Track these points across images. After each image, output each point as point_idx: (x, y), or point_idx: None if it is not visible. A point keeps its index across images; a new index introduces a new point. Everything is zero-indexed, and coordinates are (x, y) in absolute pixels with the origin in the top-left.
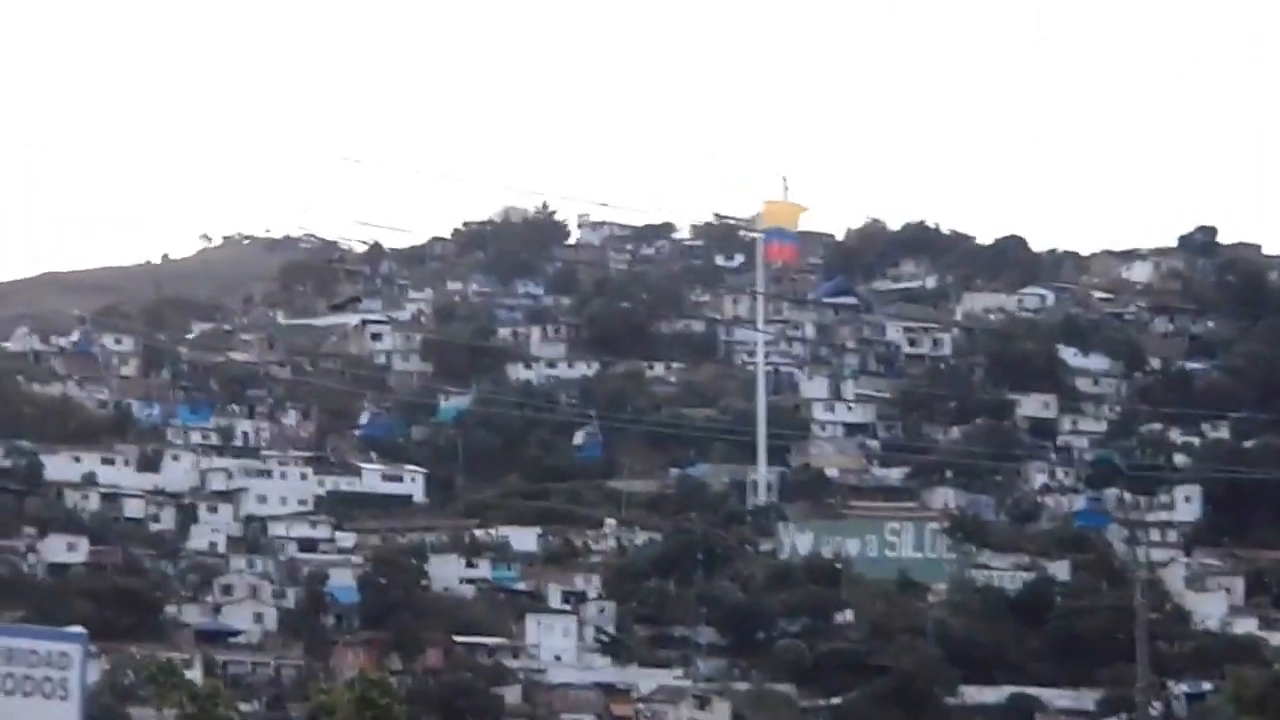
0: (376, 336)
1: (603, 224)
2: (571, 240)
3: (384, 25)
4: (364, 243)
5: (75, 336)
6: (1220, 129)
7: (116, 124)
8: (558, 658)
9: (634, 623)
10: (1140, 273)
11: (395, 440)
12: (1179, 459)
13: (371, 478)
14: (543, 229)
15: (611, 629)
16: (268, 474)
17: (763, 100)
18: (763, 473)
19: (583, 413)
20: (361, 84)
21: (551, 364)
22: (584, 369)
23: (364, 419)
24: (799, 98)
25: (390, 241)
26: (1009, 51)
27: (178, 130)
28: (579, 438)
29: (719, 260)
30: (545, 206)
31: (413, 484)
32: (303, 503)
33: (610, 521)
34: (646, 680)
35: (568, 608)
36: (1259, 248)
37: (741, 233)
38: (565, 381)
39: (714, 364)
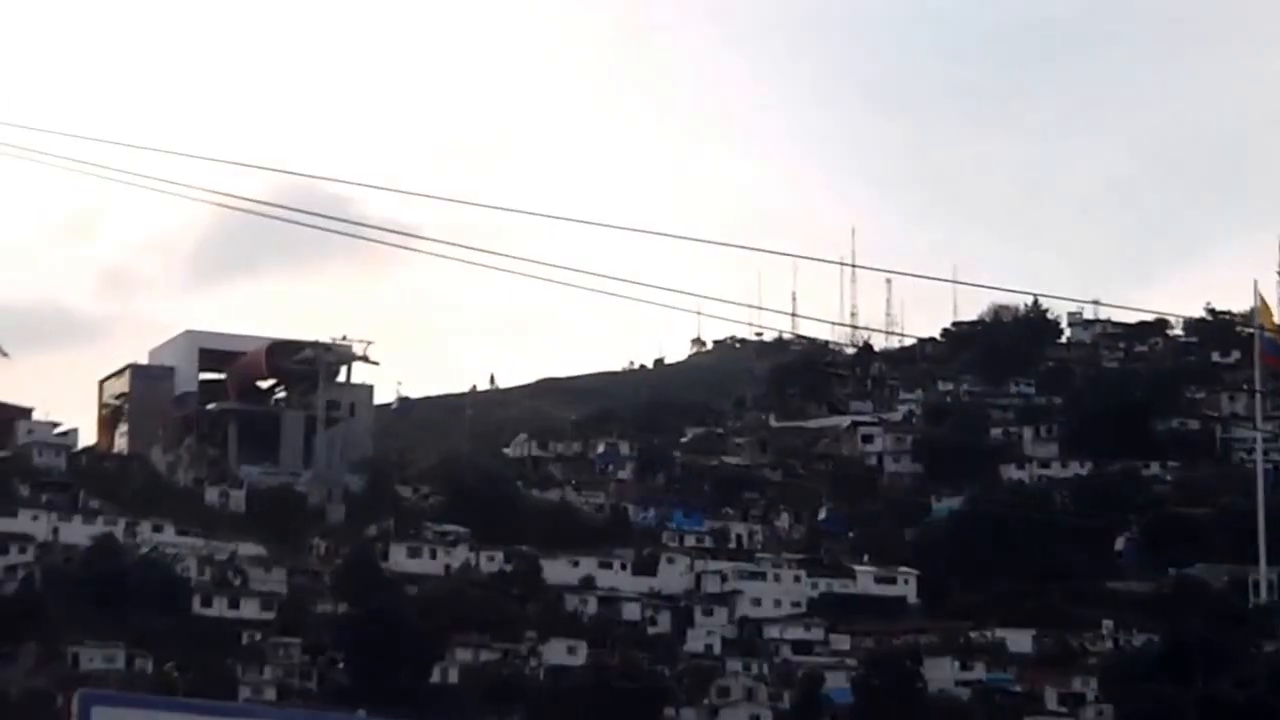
0: (868, 438)
1: (1095, 322)
2: (1063, 339)
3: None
4: (854, 345)
5: (574, 444)
6: None
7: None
8: None
9: None
10: None
11: (887, 542)
12: None
13: (864, 580)
14: (1034, 327)
15: None
16: (761, 576)
17: (1259, 184)
18: (1264, 572)
19: (1086, 513)
20: (855, 183)
21: (1044, 464)
22: (1077, 468)
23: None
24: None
25: (880, 343)
26: None
27: (671, 235)
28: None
29: (1214, 356)
30: (1036, 304)
31: (906, 586)
32: (796, 605)
33: (1107, 622)
34: None
35: (1065, 710)
36: None
37: (1238, 329)
38: (1058, 481)
39: (1211, 461)
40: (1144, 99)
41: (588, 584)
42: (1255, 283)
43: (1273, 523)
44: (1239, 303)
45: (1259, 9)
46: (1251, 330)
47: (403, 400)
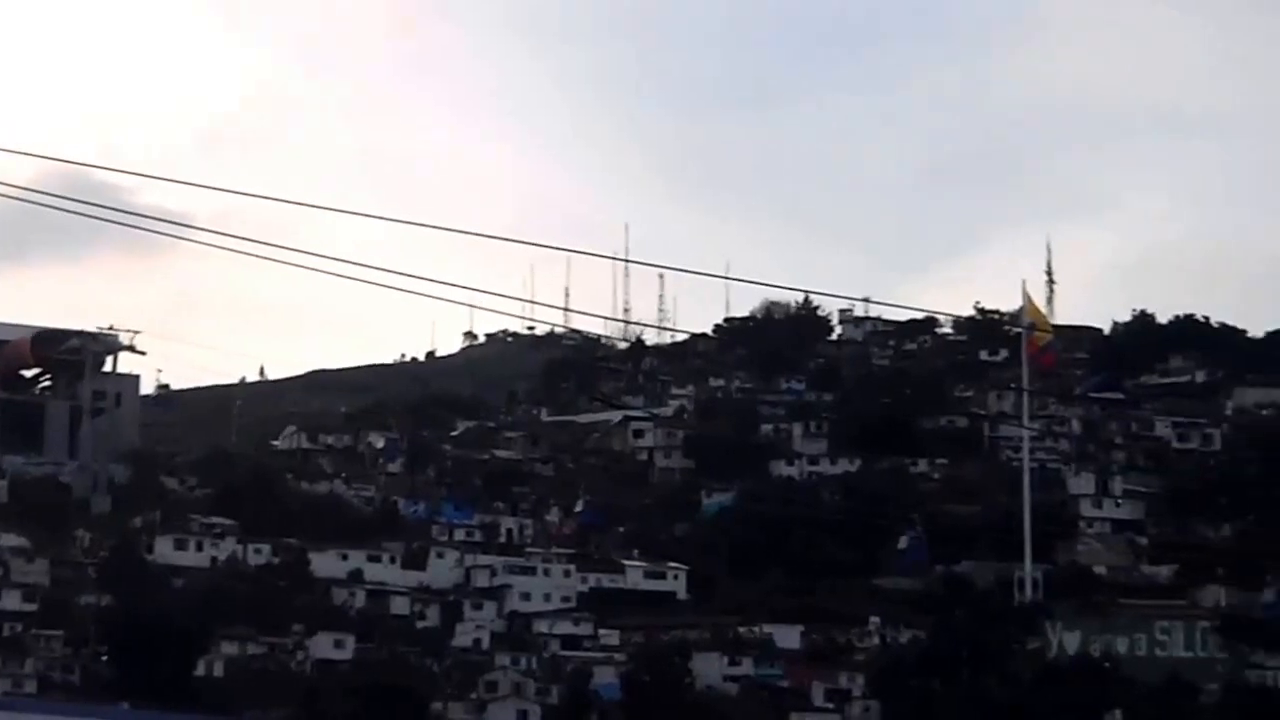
0: (639, 433)
1: (865, 319)
2: (834, 336)
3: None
4: (626, 340)
5: (344, 437)
6: None
7: (376, 223)
8: None
9: None
10: None
11: (657, 537)
12: None
13: (634, 575)
14: (804, 324)
15: None
16: (531, 570)
17: (1026, 186)
18: (1029, 570)
19: (854, 509)
20: (629, 178)
21: (814, 460)
22: (847, 465)
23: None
24: (1060, 190)
25: (652, 338)
26: None
27: (442, 229)
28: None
29: (983, 355)
30: (807, 301)
31: (675, 581)
32: (565, 600)
33: (874, 619)
34: None
35: (831, 706)
36: None
37: (1006, 328)
38: (827, 478)
39: (979, 460)
40: (916, 97)
41: (356, 577)
42: (1024, 282)
43: (1038, 521)
44: (1008, 302)
45: (1032, 13)
46: (1020, 329)
47: (162, 390)
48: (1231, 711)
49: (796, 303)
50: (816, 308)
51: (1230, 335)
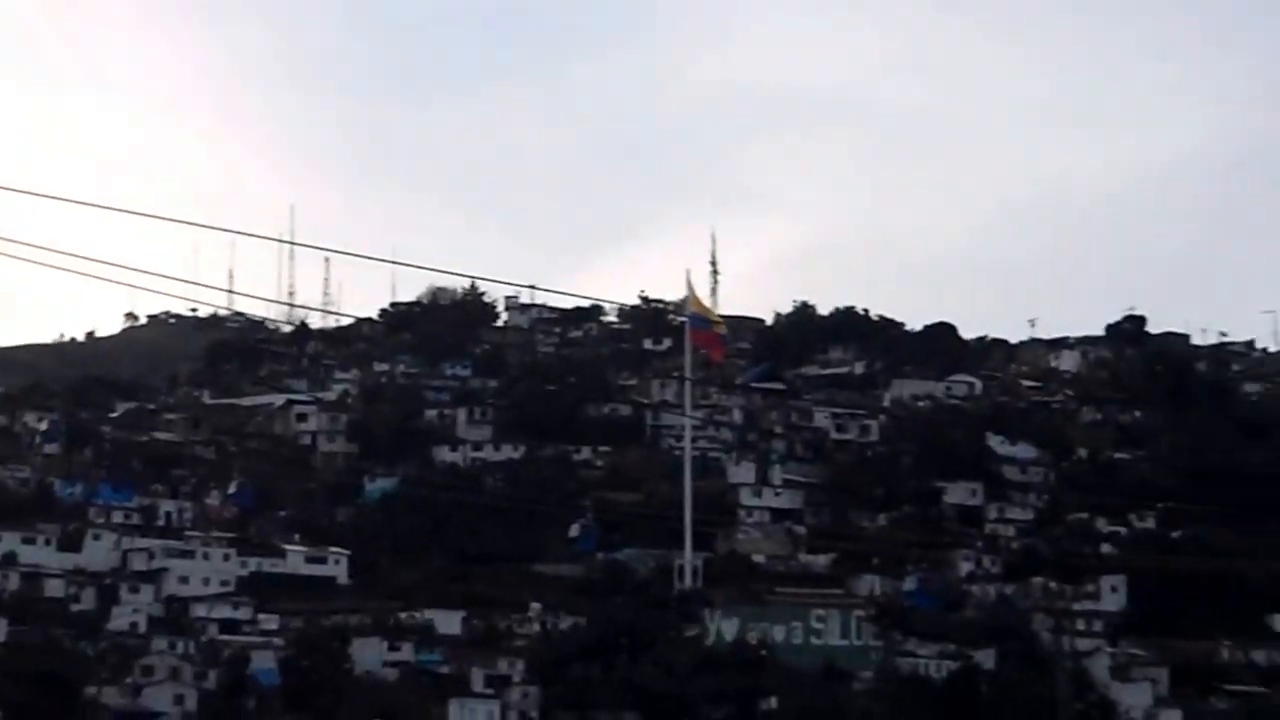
0: (302, 417)
1: (531, 306)
2: (500, 323)
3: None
4: (291, 323)
5: (0, 418)
6: (1150, 218)
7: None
8: None
9: (558, 708)
10: (1068, 361)
11: (319, 522)
12: (1105, 548)
13: (295, 559)
14: (471, 310)
15: (535, 713)
16: (190, 554)
17: (692, 178)
18: (689, 558)
19: (517, 496)
20: (293, 162)
21: (478, 446)
22: (510, 451)
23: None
24: (725, 182)
25: (317, 322)
26: (940, 144)
27: (102, 207)
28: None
29: (647, 344)
30: (474, 288)
31: (336, 566)
32: (225, 584)
33: (535, 605)
34: None
35: (490, 692)
36: (1187, 338)
37: (670, 317)
38: (491, 464)
39: (641, 448)
40: (584, 87)
41: (9, 560)
42: (688, 272)
43: (699, 509)
44: (671, 292)
45: (700, 7)
46: (683, 319)
47: None
48: (883, 698)
49: (463, 289)
50: (482, 294)
51: (889, 328)
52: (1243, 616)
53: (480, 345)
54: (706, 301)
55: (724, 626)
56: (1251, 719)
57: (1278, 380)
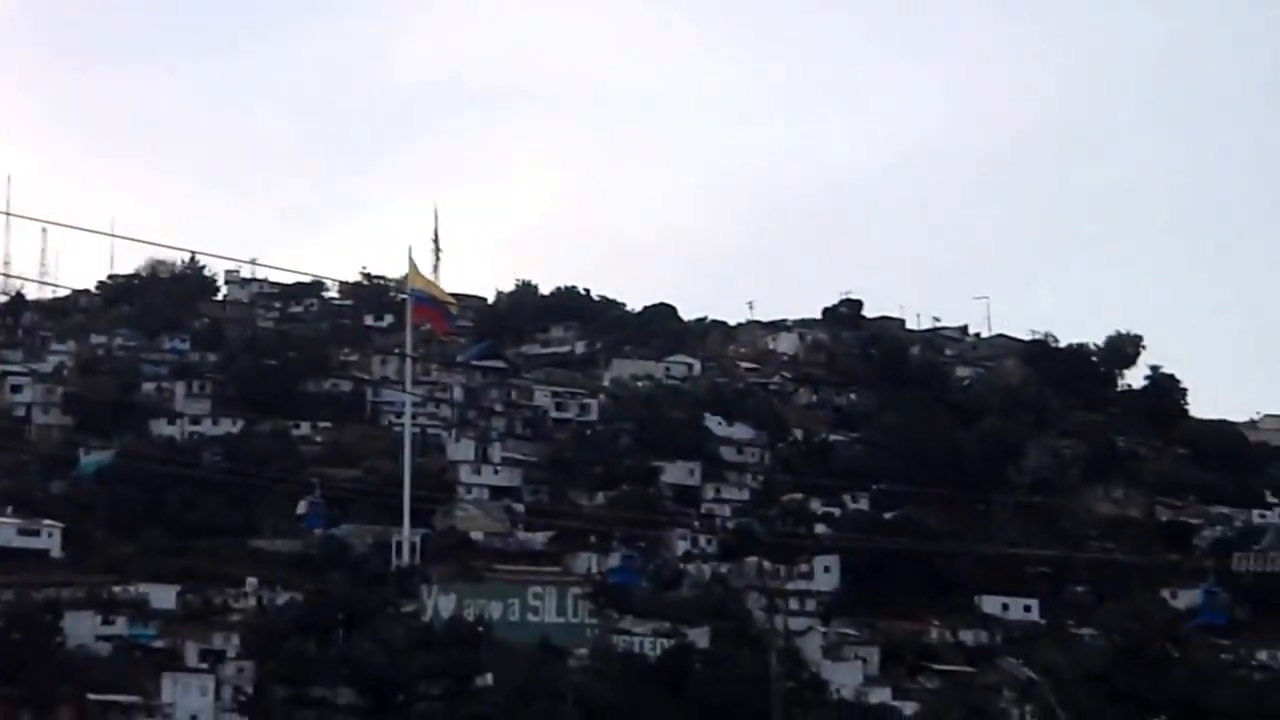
0: (17, 389)
1: (252, 280)
2: (220, 296)
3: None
4: (5, 294)
5: None
6: (867, 205)
7: None
8: (194, 717)
9: (272, 682)
10: (785, 344)
11: (33, 494)
12: (819, 529)
13: (6, 531)
14: (190, 284)
15: (250, 689)
16: None
17: (415, 155)
18: (407, 534)
19: (236, 471)
20: (9, 130)
21: (196, 420)
22: (229, 426)
23: None
24: (449, 159)
25: (33, 293)
26: (664, 119)
27: None
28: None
29: (368, 320)
30: (194, 261)
31: (49, 538)
32: None
33: (251, 580)
34: None
35: (205, 666)
36: (902, 322)
37: (391, 293)
38: (209, 438)
39: (361, 424)
40: (308, 60)
41: None
42: (410, 249)
43: (418, 486)
44: (394, 268)
45: None
46: (405, 295)
47: None
48: (599, 675)
49: (182, 262)
50: (202, 268)
51: (609, 308)
52: (952, 597)
53: (199, 319)
54: (430, 278)
55: (441, 603)
56: (958, 698)
57: (990, 365)
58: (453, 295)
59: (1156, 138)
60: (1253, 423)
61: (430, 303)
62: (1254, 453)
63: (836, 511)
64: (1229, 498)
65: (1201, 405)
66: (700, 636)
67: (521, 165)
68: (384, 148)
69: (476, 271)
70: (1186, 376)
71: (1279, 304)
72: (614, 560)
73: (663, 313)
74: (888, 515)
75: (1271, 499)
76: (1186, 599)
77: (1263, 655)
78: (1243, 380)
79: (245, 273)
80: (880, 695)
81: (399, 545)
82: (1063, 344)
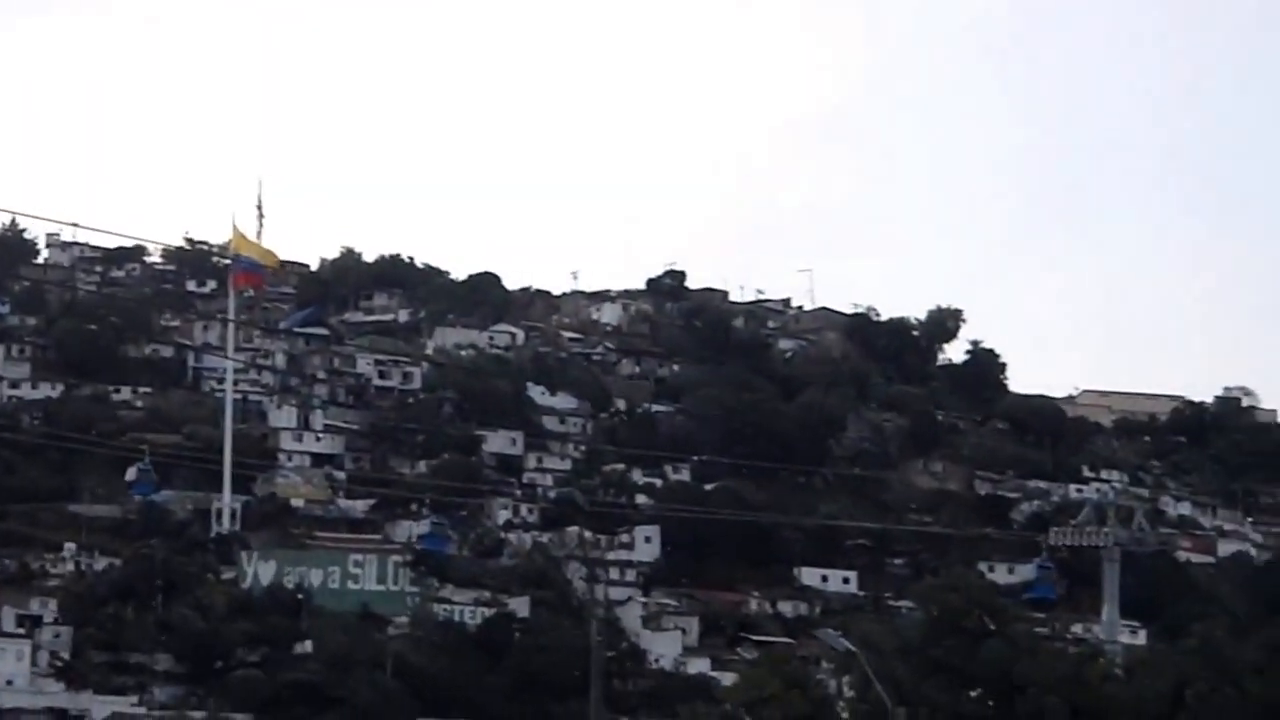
0: None
1: (73, 244)
2: (40, 259)
3: None
4: None
5: None
6: (690, 176)
7: None
8: (10, 682)
9: (90, 648)
10: (609, 314)
11: None
12: (640, 499)
13: None
14: (10, 247)
15: (66, 654)
16: None
17: (240, 119)
18: (227, 501)
19: (55, 435)
20: None
21: (15, 384)
22: (49, 390)
23: None
24: (277, 120)
25: None
26: (483, 88)
27: None
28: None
29: (191, 285)
30: (14, 224)
31: None
32: None
33: (70, 545)
34: (101, 707)
35: (22, 632)
36: (725, 294)
37: (215, 259)
38: (29, 402)
39: (182, 390)
40: (120, 19)
41: None
42: (234, 215)
43: (239, 452)
44: (218, 234)
45: None
46: (228, 260)
47: None
48: (418, 643)
49: (2, 225)
50: (23, 230)
51: (434, 276)
52: (772, 569)
53: (20, 282)
54: (252, 245)
55: (261, 570)
56: (776, 670)
57: (812, 338)
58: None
59: (979, 111)
60: (1071, 398)
61: (253, 268)
62: (1072, 428)
63: (658, 482)
64: (1047, 472)
65: (1021, 380)
66: (520, 605)
67: (344, 131)
68: (209, 113)
69: (302, 239)
70: (1006, 351)
71: (1098, 281)
72: (423, 527)
73: (487, 281)
74: (709, 486)
75: (1088, 474)
76: (1020, 574)
77: (1078, 629)
78: (1062, 356)
79: (66, 236)
80: (699, 665)
81: (219, 512)
82: (884, 318)
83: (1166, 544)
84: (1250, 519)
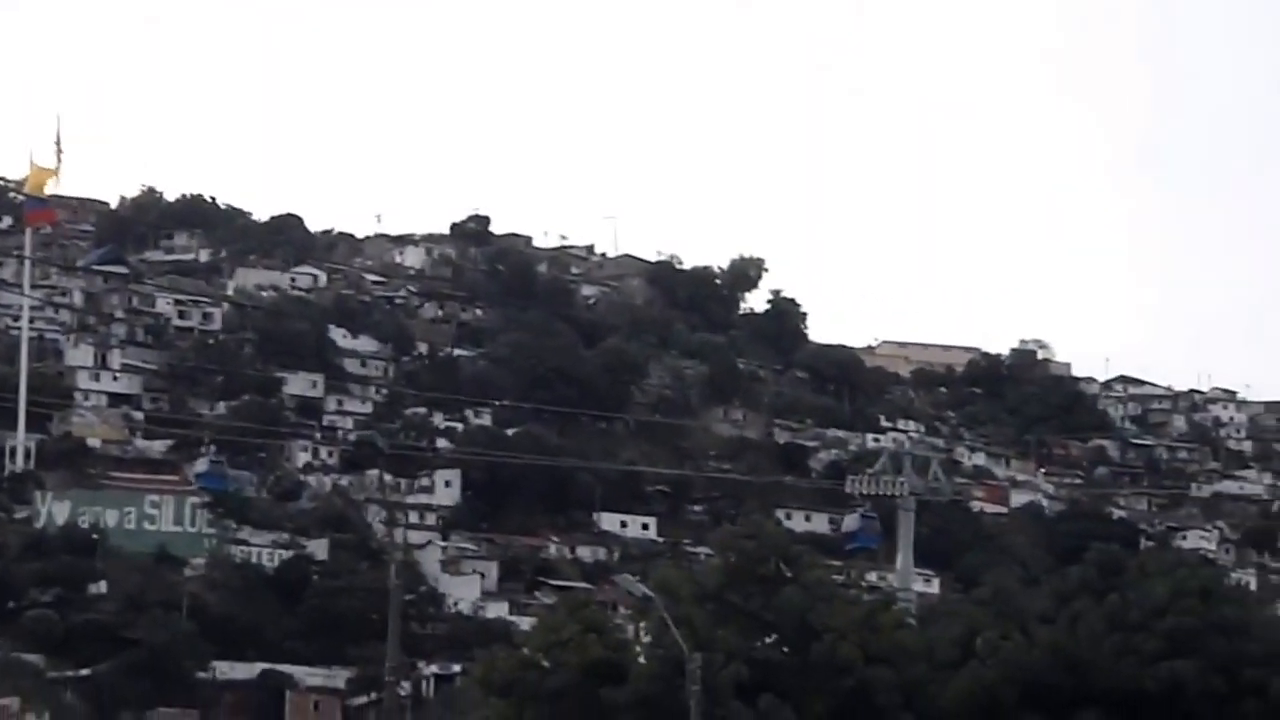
0: None
1: None
2: None
3: None
4: None
5: None
6: (497, 118)
7: None
8: None
9: None
10: (412, 258)
11: None
12: (441, 443)
13: None
14: None
15: None
16: None
17: (39, 54)
18: (21, 439)
19: None
20: None
21: None
22: None
23: None
24: (78, 56)
25: None
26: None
27: None
28: None
29: None
30: None
31: None
32: None
33: None
34: None
35: None
36: (529, 239)
37: (11, 195)
38: None
39: None
40: None
41: None
42: (31, 151)
43: (34, 391)
44: (14, 170)
45: None
46: (23, 197)
47: None
48: (215, 585)
49: None
50: None
51: (235, 217)
52: (571, 514)
53: None
54: (51, 182)
55: (55, 510)
56: (574, 614)
57: (615, 285)
58: (75, 199)
59: (779, 56)
60: (870, 348)
61: (46, 206)
62: (870, 378)
63: (459, 426)
64: (845, 421)
65: (821, 330)
66: (319, 548)
67: (152, 71)
68: (7, 47)
69: (102, 177)
70: (807, 301)
71: (899, 232)
72: (201, 465)
73: (289, 223)
74: (510, 431)
75: (886, 423)
76: (816, 522)
77: (872, 576)
78: (861, 307)
79: None
80: (497, 610)
81: (13, 450)
82: (687, 266)
83: (961, 494)
84: (1043, 470)
